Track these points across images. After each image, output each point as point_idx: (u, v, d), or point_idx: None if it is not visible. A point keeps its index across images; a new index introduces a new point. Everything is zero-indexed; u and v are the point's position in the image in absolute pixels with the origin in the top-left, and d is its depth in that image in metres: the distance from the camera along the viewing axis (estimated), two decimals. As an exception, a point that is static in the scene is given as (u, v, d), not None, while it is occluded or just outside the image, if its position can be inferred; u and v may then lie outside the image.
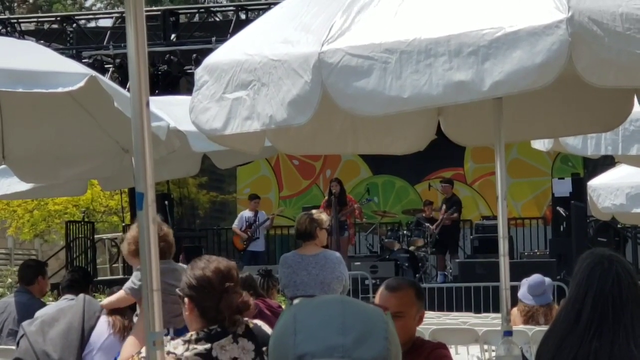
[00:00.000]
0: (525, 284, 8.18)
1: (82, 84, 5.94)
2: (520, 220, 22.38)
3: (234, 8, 21.56)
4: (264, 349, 4.12)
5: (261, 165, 24.54)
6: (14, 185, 8.50)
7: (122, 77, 18.79)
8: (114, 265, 25.27)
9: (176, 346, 4.03)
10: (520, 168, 22.65)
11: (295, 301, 8.37)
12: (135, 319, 5.89)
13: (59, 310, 6.30)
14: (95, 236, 23.90)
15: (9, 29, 20.86)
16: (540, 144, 6.84)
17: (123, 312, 6.05)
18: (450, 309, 16.58)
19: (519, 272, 9.30)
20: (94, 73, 6.12)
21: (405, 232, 20.23)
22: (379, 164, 23.36)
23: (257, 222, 20.34)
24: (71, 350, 5.95)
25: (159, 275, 3.42)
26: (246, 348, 4.11)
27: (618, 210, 9.70)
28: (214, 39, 18.62)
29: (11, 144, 7.29)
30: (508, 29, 4.05)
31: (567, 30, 3.98)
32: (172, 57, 19.98)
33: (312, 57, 4.29)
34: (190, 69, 18.47)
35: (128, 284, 5.85)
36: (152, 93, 7.06)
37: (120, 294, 5.94)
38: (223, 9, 25.39)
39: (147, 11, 13.03)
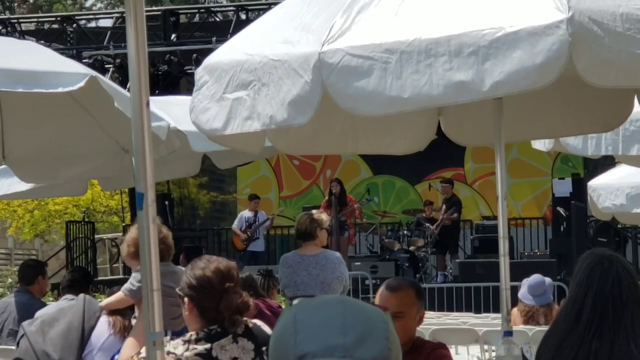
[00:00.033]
0: (525, 284, 8.18)
1: (82, 84, 5.94)
2: (521, 220, 22.38)
3: (234, 8, 21.56)
4: (264, 348, 4.12)
5: (261, 166, 24.54)
6: (14, 185, 8.50)
7: (122, 77, 18.79)
8: (114, 265, 25.29)
9: (176, 346, 4.02)
10: (521, 168, 22.65)
11: (295, 301, 8.37)
12: (133, 321, 5.88)
13: (59, 310, 6.30)
14: (96, 236, 23.91)
15: (9, 29, 20.86)
16: (541, 144, 6.84)
17: (123, 312, 6.04)
18: (450, 309, 16.58)
19: (519, 272, 9.30)
20: (94, 73, 6.12)
21: (405, 232, 20.23)
22: (379, 164, 23.36)
23: (256, 222, 20.34)
24: (71, 350, 5.95)
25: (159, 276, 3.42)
26: (246, 348, 4.11)
27: (618, 211, 9.70)
28: (214, 39, 18.62)
29: (11, 144, 7.29)
30: (508, 29, 4.05)
31: (568, 30, 3.98)
32: (172, 57, 19.98)
33: (312, 57, 4.29)
34: (191, 69, 18.47)
35: (127, 286, 5.85)
36: (152, 93, 7.07)
37: (119, 295, 5.93)
38: (223, 9, 25.39)
39: (147, 11, 13.02)
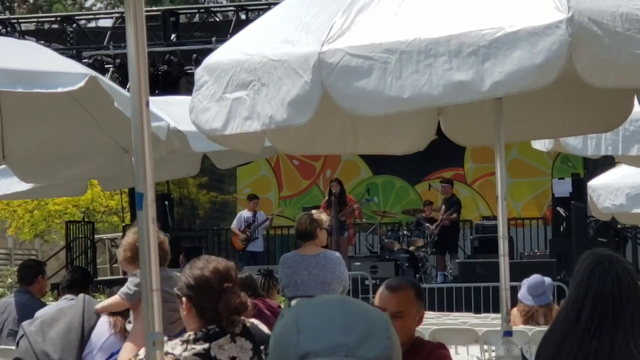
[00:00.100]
0: (525, 284, 8.18)
1: (82, 84, 5.94)
2: (520, 220, 22.38)
3: (234, 8, 21.56)
4: (262, 347, 4.12)
5: (261, 166, 24.54)
6: (14, 185, 8.50)
7: (122, 77, 18.79)
8: (114, 265, 25.26)
9: (174, 346, 4.02)
10: (520, 168, 22.65)
11: (293, 302, 8.38)
12: (128, 325, 5.87)
13: (59, 310, 6.29)
14: (96, 236, 23.92)
15: (9, 29, 20.87)
16: (541, 144, 6.84)
17: (124, 313, 6.04)
18: (450, 309, 16.58)
19: (519, 272, 9.31)
20: (94, 73, 6.12)
21: (405, 232, 20.23)
22: (379, 164, 23.36)
23: (255, 222, 20.34)
24: (71, 350, 5.95)
25: (159, 276, 3.42)
26: (244, 347, 4.11)
27: (618, 211, 9.70)
28: (214, 39, 18.62)
29: (11, 144, 7.29)
30: (508, 29, 4.05)
31: (567, 30, 3.98)
32: (172, 57, 19.98)
33: (312, 57, 4.29)
34: (191, 69, 18.47)
35: (123, 289, 5.84)
36: (152, 93, 7.07)
37: (115, 298, 5.93)
38: (223, 9, 25.39)
39: (147, 11, 13.04)
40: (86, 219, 23.78)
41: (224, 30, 19.15)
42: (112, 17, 26.38)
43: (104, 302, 6.15)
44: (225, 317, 4.10)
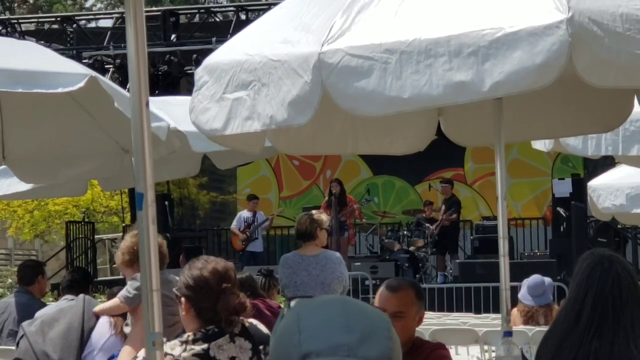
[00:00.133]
0: (525, 284, 8.19)
1: (82, 84, 5.94)
2: (521, 220, 22.38)
3: (234, 8, 21.57)
4: (261, 347, 4.12)
5: (261, 166, 24.54)
6: (14, 185, 8.50)
7: (122, 78, 18.80)
8: (114, 265, 25.22)
9: (173, 347, 4.02)
10: (521, 168, 22.65)
11: (293, 302, 8.38)
12: (126, 329, 5.87)
13: (59, 310, 6.29)
14: (96, 236, 23.92)
15: (9, 29, 20.88)
16: (541, 145, 6.84)
17: (124, 314, 6.04)
18: (450, 310, 16.58)
19: (519, 272, 9.31)
20: (94, 73, 6.12)
21: (405, 232, 20.24)
22: (379, 164, 23.35)
23: (255, 223, 20.34)
24: (71, 351, 5.94)
25: (159, 276, 3.41)
26: (243, 347, 4.11)
27: (618, 211, 9.70)
28: (214, 39, 18.63)
29: (11, 144, 7.29)
30: (508, 29, 4.05)
31: (567, 30, 3.98)
32: (172, 57, 19.99)
33: (312, 57, 4.29)
34: (191, 69, 18.47)
35: (123, 293, 5.83)
36: (152, 93, 7.07)
37: (114, 301, 5.92)
38: (223, 9, 25.41)
39: (147, 11, 13.04)
40: (86, 219, 23.79)
41: (224, 30, 19.16)
42: (112, 18, 26.40)
43: (102, 305, 6.14)
44: (224, 317, 4.09)
